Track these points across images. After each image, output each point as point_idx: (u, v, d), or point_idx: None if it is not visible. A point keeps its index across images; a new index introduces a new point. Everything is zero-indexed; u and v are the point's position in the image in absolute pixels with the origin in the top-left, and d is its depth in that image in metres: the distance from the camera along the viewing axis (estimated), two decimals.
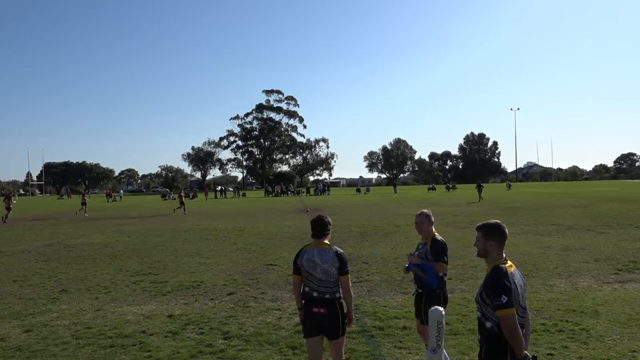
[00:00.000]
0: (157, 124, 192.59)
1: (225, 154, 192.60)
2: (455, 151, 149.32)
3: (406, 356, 5.48)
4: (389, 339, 5.99)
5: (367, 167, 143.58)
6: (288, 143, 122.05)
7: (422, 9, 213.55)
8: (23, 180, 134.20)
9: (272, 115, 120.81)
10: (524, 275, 3.39)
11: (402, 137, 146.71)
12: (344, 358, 4.51)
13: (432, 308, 4.21)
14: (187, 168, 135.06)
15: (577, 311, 6.92)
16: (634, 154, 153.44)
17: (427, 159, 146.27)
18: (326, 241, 4.37)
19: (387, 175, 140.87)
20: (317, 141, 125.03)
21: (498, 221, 3.30)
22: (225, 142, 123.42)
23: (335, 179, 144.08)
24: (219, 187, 76.54)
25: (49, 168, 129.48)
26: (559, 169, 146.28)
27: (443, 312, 4.18)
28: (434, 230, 4.88)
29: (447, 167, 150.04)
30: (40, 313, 7.56)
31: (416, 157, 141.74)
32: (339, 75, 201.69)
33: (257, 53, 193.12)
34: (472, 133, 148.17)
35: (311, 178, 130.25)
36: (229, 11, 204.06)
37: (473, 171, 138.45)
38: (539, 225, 18.35)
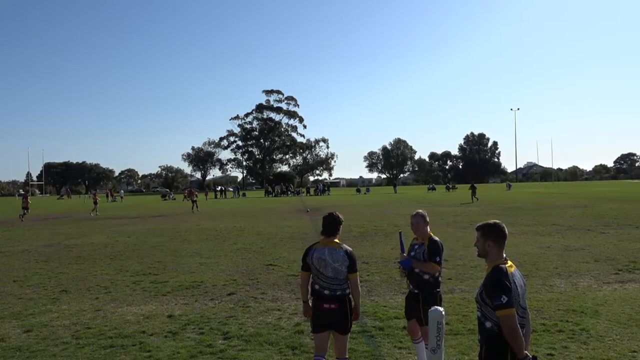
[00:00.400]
0: (157, 124, 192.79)
1: (225, 154, 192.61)
2: (455, 151, 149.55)
3: (406, 356, 5.48)
4: (389, 339, 6.00)
5: (367, 167, 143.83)
6: (288, 143, 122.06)
7: (422, 9, 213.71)
8: (23, 180, 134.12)
9: (272, 115, 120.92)
10: (524, 276, 3.39)
11: (402, 137, 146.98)
12: (347, 355, 4.56)
13: (432, 308, 4.21)
14: (187, 168, 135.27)
15: (577, 311, 6.92)
16: (634, 154, 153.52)
17: (427, 159, 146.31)
18: (336, 240, 4.44)
19: (387, 175, 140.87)
20: (317, 141, 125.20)
21: (497, 221, 3.30)
22: (225, 142, 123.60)
23: (335, 179, 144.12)
24: (219, 187, 76.52)
25: (49, 168, 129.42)
26: (559, 169, 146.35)
27: (443, 312, 4.18)
28: (429, 230, 4.93)
29: (447, 167, 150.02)
30: (40, 313, 7.56)
31: (416, 157, 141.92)
32: (339, 75, 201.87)
33: (257, 53, 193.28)
34: (472, 133, 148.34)
35: (311, 178, 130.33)
36: (229, 11, 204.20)
37: (473, 171, 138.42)
38: (539, 226, 18.35)
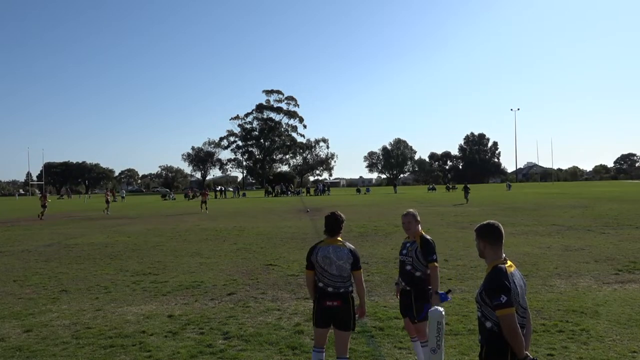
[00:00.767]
0: (157, 124, 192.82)
1: (225, 154, 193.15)
2: (455, 151, 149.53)
3: (406, 356, 5.48)
4: (389, 339, 6.00)
5: (367, 167, 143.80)
6: (288, 143, 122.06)
7: (422, 9, 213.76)
8: (23, 180, 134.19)
9: (272, 115, 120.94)
10: (524, 276, 3.39)
11: (402, 137, 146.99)
12: (347, 356, 4.59)
13: (432, 308, 4.21)
14: (187, 168, 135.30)
15: (577, 311, 6.92)
16: (634, 155, 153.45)
17: (427, 159, 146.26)
18: (339, 238, 4.55)
19: (387, 175, 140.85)
20: (317, 141, 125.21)
21: (492, 221, 3.32)
22: (225, 142, 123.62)
23: (335, 179, 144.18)
24: (219, 187, 76.52)
25: (49, 168, 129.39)
26: (559, 170, 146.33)
27: (443, 312, 4.18)
28: (420, 229, 4.98)
29: (447, 167, 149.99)
30: (40, 313, 7.56)
31: (416, 157, 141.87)
32: (339, 75, 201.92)
33: (257, 53, 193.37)
34: (472, 133, 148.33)
35: (311, 178, 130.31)
36: (229, 11, 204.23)
37: (473, 171, 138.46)
38: (539, 226, 18.35)
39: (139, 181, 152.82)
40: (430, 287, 4.85)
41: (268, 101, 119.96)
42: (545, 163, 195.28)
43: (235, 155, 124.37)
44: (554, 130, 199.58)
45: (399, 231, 17.84)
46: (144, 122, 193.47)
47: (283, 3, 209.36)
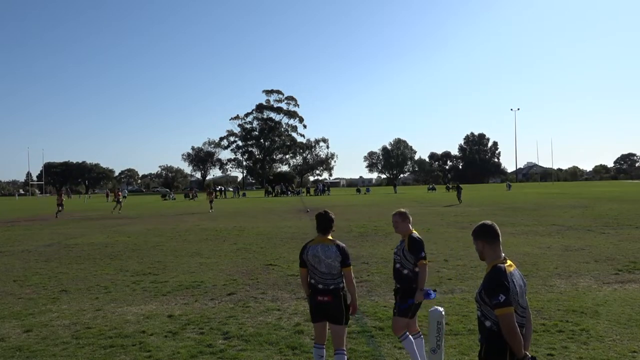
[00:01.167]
0: (157, 124, 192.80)
1: (225, 154, 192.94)
2: (455, 151, 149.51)
3: (406, 356, 5.47)
4: (389, 339, 5.99)
5: (367, 167, 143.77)
6: (288, 143, 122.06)
7: (422, 9, 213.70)
8: (23, 180, 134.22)
9: (272, 115, 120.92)
10: (524, 276, 3.40)
11: (402, 137, 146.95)
12: (344, 348, 4.65)
13: (432, 308, 4.23)
14: (187, 168, 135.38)
15: (577, 311, 6.92)
16: (634, 155, 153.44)
17: (427, 159, 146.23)
18: (329, 236, 4.65)
19: (387, 175, 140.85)
20: (317, 141, 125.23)
21: (486, 221, 3.34)
22: (225, 142, 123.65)
23: (335, 179, 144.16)
24: (219, 187, 76.55)
25: (49, 168, 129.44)
26: (559, 170, 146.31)
27: (443, 312, 4.19)
28: (410, 228, 5.03)
29: (447, 167, 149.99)
30: (40, 313, 7.56)
31: (416, 157, 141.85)
32: (339, 75, 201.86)
33: (257, 53, 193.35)
34: (472, 133, 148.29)
35: (311, 178, 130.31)
36: (229, 11, 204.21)
37: (473, 171, 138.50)
38: (539, 226, 18.35)
39: (139, 181, 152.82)
40: (416, 285, 4.86)
41: (268, 101, 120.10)
42: (545, 163, 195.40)
43: (235, 155, 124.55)
44: (554, 130, 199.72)
45: None
46: (144, 122, 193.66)
47: (283, 3, 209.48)
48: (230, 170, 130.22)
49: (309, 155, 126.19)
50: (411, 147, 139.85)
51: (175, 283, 9.54)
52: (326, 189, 71.80)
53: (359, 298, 8.03)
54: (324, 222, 4.64)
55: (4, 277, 10.64)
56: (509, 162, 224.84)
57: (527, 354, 3.05)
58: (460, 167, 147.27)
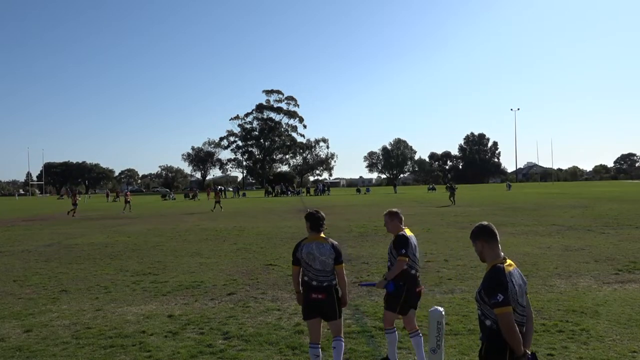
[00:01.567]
0: (157, 124, 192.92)
1: (225, 154, 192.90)
2: (455, 151, 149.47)
3: (406, 356, 5.48)
4: None
5: (367, 167, 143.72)
6: (288, 143, 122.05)
7: (422, 9, 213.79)
8: (23, 180, 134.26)
9: (272, 115, 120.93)
10: (524, 275, 3.41)
11: (402, 137, 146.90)
12: (342, 336, 4.86)
13: (432, 308, 4.23)
14: (187, 168, 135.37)
15: (577, 311, 6.92)
16: (634, 154, 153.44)
17: (427, 159, 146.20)
18: (322, 235, 4.80)
19: (387, 175, 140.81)
20: (317, 141, 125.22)
21: (482, 222, 3.41)
22: (225, 142, 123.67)
23: (335, 179, 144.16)
24: (219, 187, 76.56)
25: (49, 168, 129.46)
26: (559, 170, 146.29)
27: (443, 312, 4.19)
28: (400, 227, 5.15)
29: (447, 167, 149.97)
30: (40, 313, 7.56)
31: (416, 157, 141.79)
32: (339, 75, 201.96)
33: (257, 53, 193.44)
34: (472, 133, 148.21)
35: (311, 178, 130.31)
36: (229, 11, 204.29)
37: (473, 171, 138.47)
38: (539, 226, 18.34)
39: (139, 181, 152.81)
40: (402, 283, 4.98)
41: (268, 101, 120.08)
42: (545, 163, 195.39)
43: (235, 155, 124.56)
44: (554, 130, 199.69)
45: None
46: (144, 122, 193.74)
47: (283, 3, 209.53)
48: (230, 170, 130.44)
49: (309, 155, 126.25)
50: (411, 147, 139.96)
51: (175, 283, 9.54)
52: (326, 189, 71.79)
53: (360, 298, 8.07)
54: (317, 221, 4.77)
55: (4, 277, 10.64)
56: (509, 162, 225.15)
57: (528, 352, 3.07)
58: (460, 167, 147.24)
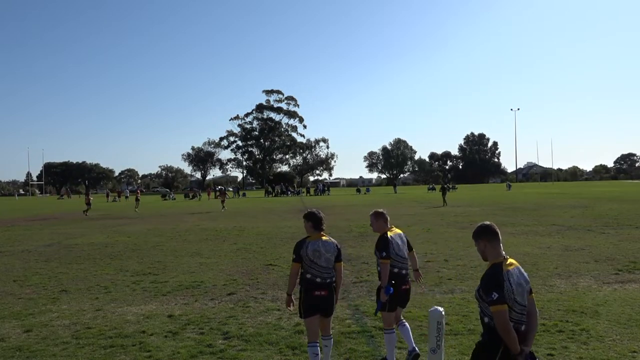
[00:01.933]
0: (157, 124, 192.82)
1: (225, 154, 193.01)
2: (455, 151, 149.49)
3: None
4: None
5: (367, 167, 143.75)
6: (288, 143, 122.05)
7: (422, 9, 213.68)
8: (23, 180, 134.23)
9: (272, 115, 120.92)
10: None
11: (402, 137, 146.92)
12: (331, 333, 5.09)
13: (432, 308, 4.23)
14: (187, 168, 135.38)
15: (577, 311, 6.92)
16: (634, 154, 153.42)
17: (427, 159, 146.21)
18: (323, 233, 4.95)
19: (387, 175, 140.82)
20: (317, 141, 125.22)
21: (484, 222, 3.45)
22: (225, 142, 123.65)
23: (335, 179, 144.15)
24: (219, 187, 76.58)
25: (49, 168, 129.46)
26: (559, 170, 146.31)
27: (443, 312, 4.19)
28: (385, 227, 5.26)
29: (447, 167, 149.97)
30: (40, 313, 7.56)
31: (416, 157, 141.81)
32: (339, 75, 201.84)
33: (257, 53, 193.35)
34: (472, 133, 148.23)
35: (311, 178, 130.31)
36: (229, 11, 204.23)
37: (473, 171, 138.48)
38: (539, 226, 18.34)
39: (139, 181, 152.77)
40: (392, 282, 5.11)
41: (268, 101, 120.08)
42: (545, 163, 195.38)
43: (235, 155, 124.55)
44: (554, 130, 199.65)
45: None
46: (144, 122, 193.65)
47: (283, 3, 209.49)
48: (230, 170, 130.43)
49: (309, 155, 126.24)
50: (411, 147, 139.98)
51: (175, 283, 9.54)
52: (326, 189, 71.80)
53: (359, 298, 8.07)
54: (320, 220, 4.93)
55: (4, 277, 10.64)
56: (509, 162, 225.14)
57: (525, 349, 3.12)
58: (460, 167, 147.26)
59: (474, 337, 5.80)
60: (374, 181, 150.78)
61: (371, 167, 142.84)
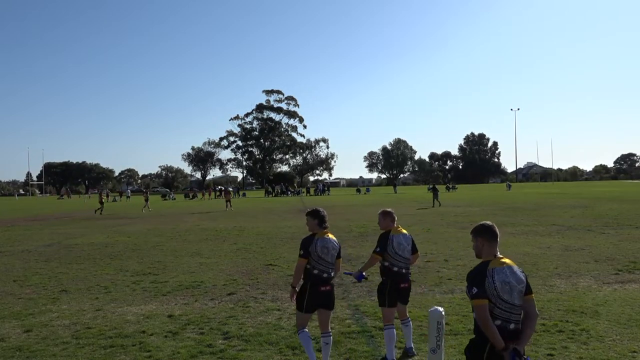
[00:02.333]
0: (157, 124, 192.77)
1: (225, 154, 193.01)
2: (455, 151, 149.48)
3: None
4: None
5: (367, 167, 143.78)
6: (288, 143, 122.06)
7: (422, 9, 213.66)
8: (23, 180, 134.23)
9: (272, 115, 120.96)
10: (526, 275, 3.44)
11: (402, 137, 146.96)
12: (330, 330, 5.17)
13: (432, 308, 4.23)
14: (187, 168, 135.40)
15: (577, 311, 6.92)
16: (634, 155, 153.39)
17: (427, 159, 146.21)
18: (327, 231, 5.13)
19: (387, 175, 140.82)
20: (317, 141, 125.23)
21: (486, 222, 3.52)
22: (225, 142, 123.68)
23: (335, 179, 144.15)
24: (219, 187, 76.62)
25: (49, 168, 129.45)
26: (559, 170, 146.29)
27: (443, 312, 4.19)
28: (390, 225, 5.48)
29: (447, 167, 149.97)
30: (40, 313, 7.55)
31: (416, 157, 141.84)
32: (339, 75, 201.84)
33: (257, 53, 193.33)
34: (472, 133, 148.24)
35: (311, 178, 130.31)
36: (229, 11, 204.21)
37: (473, 171, 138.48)
38: (539, 226, 18.34)
39: (139, 181, 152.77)
40: (385, 278, 5.39)
41: (268, 101, 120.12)
42: (545, 163, 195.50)
43: (235, 155, 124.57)
44: (554, 130, 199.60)
45: None
46: (144, 122, 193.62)
47: (283, 3, 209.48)
48: (230, 170, 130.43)
49: (309, 155, 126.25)
50: (411, 147, 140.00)
51: (175, 283, 9.54)
52: (326, 189, 71.79)
53: (360, 298, 8.08)
54: (324, 218, 5.11)
55: (4, 277, 10.64)
56: (509, 162, 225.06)
57: (510, 346, 3.14)
58: (460, 167, 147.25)
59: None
60: (374, 181, 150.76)
61: (371, 167, 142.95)
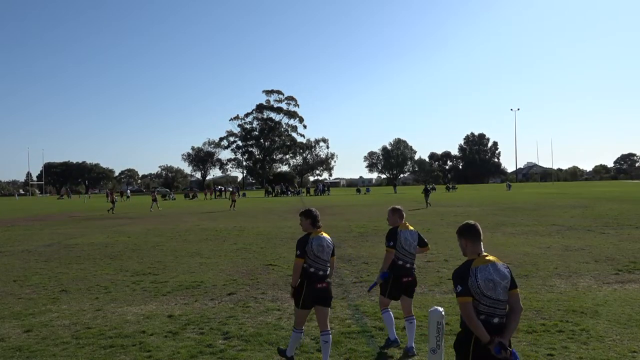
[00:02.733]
0: (157, 124, 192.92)
1: (225, 154, 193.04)
2: (455, 151, 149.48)
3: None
4: None
5: (367, 167, 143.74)
6: (288, 143, 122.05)
7: (422, 9, 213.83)
8: (23, 180, 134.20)
9: (272, 115, 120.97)
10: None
11: (402, 137, 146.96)
12: (329, 329, 5.21)
13: (432, 308, 4.23)
14: (187, 168, 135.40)
15: (577, 311, 6.92)
16: (634, 155, 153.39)
17: (427, 159, 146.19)
18: (321, 230, 5.24)
19: (387, 175, 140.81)
20: (317, 141, 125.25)
21: (469, 221, 3.64)
22: (225, 142, 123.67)
23: (335, 179, 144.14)
24: (219, 187, 76.63)
25: (49, 168, 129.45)
26: (559, 170, 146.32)
27: (443, 313, 4.19)
28: (398, 222, 5.76)
29: (447, 167, 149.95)
30: (40, 313, 7.55)
31: (416, 157, 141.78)
32: (339, 75, 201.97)
33: (257, 53, 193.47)
34: (472, 133, 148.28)
35: (311, 178, 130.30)
36: (229, 11, 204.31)
37: (473, 171, 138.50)
38: (539, 226, 18.34)
39: (139, 181, 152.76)
40: (387, 271, 5.60)
41: (268, 101, 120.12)
42: (545, 163, 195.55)
43: (235, 155, 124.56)
44: (554, 130, 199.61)
45: None
46: (144, 122, 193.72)
47: (283, 3, 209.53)
48: (230, 170, 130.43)
49: (309, 155, 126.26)
50: (411, 147, 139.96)
51: (175, 283, 9.54)
52: (326, 189, 71.78)
53: (360, 298, 8.08)
54: (317, 217, 5.21)
55: (4, 277, 10.63)
56: (509, 162, 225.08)
57: (495, 339, 3.24)
58: (460, 167, 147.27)
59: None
60: (374, 181, 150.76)
61: (371, 167, 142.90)
